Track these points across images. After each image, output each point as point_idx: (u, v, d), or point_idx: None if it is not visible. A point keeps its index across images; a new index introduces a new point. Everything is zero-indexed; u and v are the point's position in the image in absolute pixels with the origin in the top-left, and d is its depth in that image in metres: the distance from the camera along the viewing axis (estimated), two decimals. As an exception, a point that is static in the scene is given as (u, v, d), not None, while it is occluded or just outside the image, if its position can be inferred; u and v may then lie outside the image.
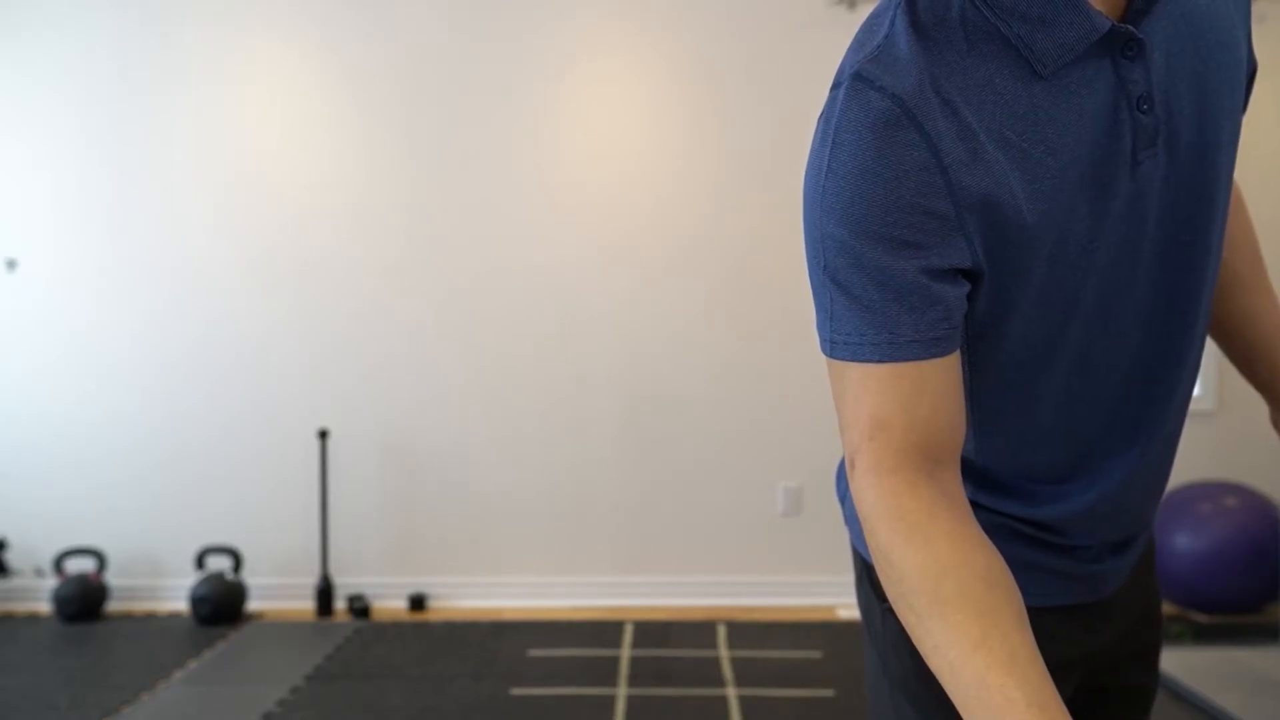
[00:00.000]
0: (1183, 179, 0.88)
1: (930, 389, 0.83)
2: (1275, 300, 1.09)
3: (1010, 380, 0.93)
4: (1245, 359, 1.09)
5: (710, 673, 3.34)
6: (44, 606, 4.18)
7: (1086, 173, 0.84)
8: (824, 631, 3.78)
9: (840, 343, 0.84)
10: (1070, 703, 1.04)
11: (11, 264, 4.18)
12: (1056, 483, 0.98)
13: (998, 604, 0.75)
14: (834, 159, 0.82)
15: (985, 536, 0.80)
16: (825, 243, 0.84)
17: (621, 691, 3.17)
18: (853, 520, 1.07)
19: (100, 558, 4.09)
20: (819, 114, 0.87)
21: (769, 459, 4.18)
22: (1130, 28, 0.82)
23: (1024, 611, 0.76)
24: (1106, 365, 0.93)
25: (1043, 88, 0.82)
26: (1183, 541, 3.58)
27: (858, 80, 0.82)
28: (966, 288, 0.85)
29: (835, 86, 0.85)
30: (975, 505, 0.99)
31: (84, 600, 3.96)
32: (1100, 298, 0.89)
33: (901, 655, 0.99)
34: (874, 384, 0.83)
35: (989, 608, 0.74)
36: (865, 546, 1.06)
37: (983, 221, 0.83)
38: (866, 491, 0.82)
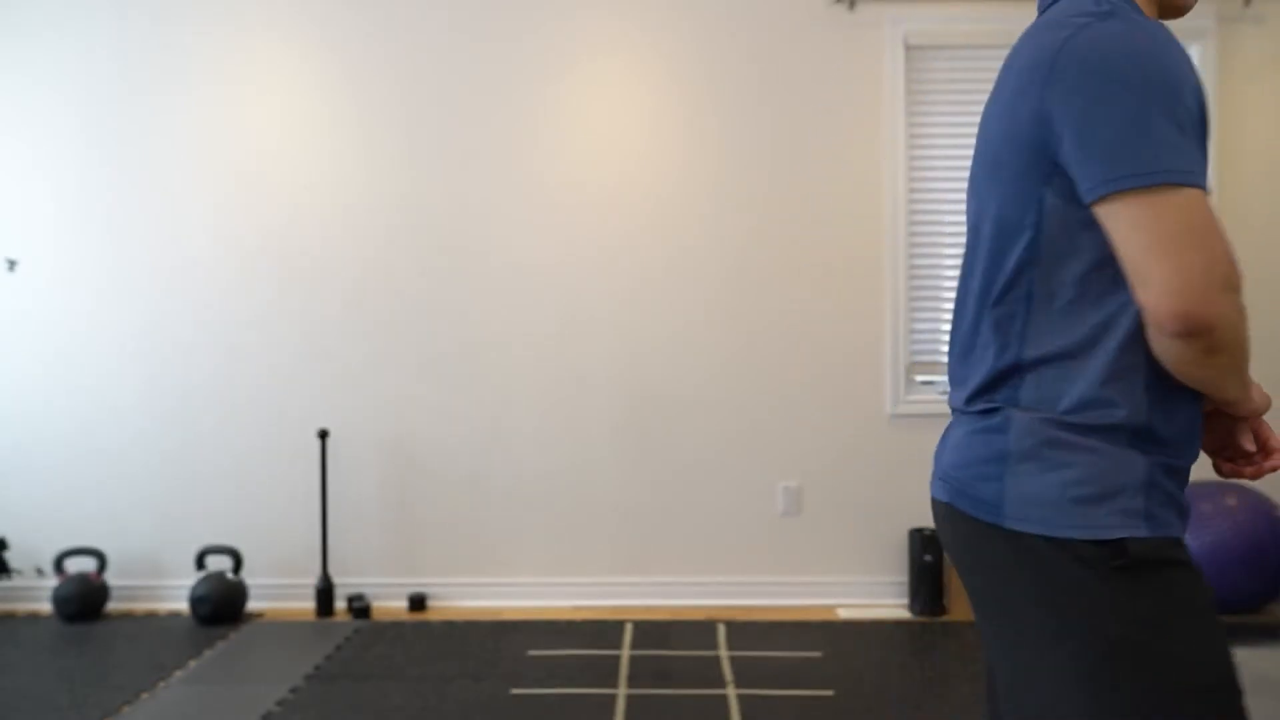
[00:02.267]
0: None
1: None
2: None
3: None
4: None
5: (710, 673, 3.34)
6: (44, 606, 4.18)
7: None
8: (824, 631, 3.78)
9: (1181, 170, 1.04)
10: None
11: (12, 264, 4.18)
12: (1196, 439, 1.17)
13: None
14: (1154, 42, 1.06)
15: None
16: (1163, 90, 1.05)
17: (621, 691, 3.17)
18: (1042, 505, 1.12)
19: (100, 558, 4.09)
20: (1096, 25, 1.09)
21: (769, 459, 4.18)
22: None
23: None
24: None
25: None
26: (1183, 541, 3.58)
27: (1135, 11, 1.10)
28: None
29: (1108, 15, 1.09)
30: (1169, 469, 1.13)
31: (84, 600, 3.97)
32: None
33: (1124, 612, 1.07)
34: (1209, 214, 1.03)
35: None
36: (1059, 528, 1.11)
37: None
38: (1236, 308, 1.03)
